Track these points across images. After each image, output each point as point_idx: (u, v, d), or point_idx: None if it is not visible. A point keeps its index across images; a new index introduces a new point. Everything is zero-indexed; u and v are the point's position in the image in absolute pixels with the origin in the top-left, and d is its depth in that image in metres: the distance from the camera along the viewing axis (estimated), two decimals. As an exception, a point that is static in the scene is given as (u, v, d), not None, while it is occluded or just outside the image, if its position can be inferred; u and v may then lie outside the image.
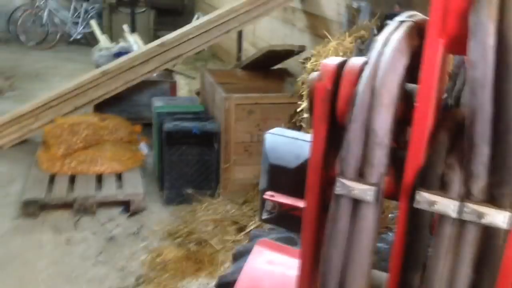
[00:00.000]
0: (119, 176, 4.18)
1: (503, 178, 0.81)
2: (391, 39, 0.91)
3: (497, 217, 0.81)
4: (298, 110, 3.30)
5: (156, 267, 3.28)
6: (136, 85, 5.04)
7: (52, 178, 4.08)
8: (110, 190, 3.99)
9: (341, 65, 0.98)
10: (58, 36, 9.23)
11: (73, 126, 4.26)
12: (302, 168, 1.30)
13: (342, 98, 0.95)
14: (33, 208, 3.78)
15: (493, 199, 0.82)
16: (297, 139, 1.49)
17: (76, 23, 9.35)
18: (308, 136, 1.44)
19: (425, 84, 0.86)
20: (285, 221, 1.44)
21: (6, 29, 9.22)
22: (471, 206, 0.82)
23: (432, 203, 0.84)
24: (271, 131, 1.53)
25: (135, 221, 3.85)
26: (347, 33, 3.39)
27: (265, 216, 1.47)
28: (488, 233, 0.83)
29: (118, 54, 5.61)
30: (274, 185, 1.46)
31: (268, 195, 1.42)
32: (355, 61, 0.97)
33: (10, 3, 9.10)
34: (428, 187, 0.86)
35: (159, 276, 3.19)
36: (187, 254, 3.37)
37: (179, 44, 4.89)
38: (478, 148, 0.81)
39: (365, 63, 0.93)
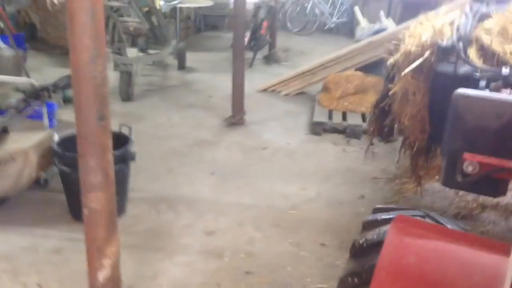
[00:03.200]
0: (378, 116, 5.54)
1: None
2: None
3: None
4: (391, 93, 2.88)
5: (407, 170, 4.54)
6: (392, 55, 6.35)
7: (330, 112, 5.65)
8: (372, 123, 5.39)
9: None
10: (315, 25, 11.10)
11: (348, 77, 5.78)
12: (505, 127, 1.27)
13: None
14: (318, 129, 5.39)
15: None
16: (493, 98, 1.44)
17: (332, 14, 11.11)
18: (505, 95, 1.44)
19: None
20: (484, 184, 1.36)
21: (278, 18, 11.44)
22: None
23: None
24: (459, 91, 1.50)
25: (389, 146, 5.16)
26: (439, 14, 3.38)
27: (460, 179, 1.40)
28: None
29: (377, 32, 7.00)
30: (471, 146, 1.38)
31: (469, 156, 1.34)
32: None
33: (282, -3, 11.30)
34: None
35: (406, 177, 4.44)
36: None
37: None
38: None
39: None
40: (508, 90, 1.71)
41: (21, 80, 3.91)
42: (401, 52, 2.82)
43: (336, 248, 3.38)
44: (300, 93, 6.72)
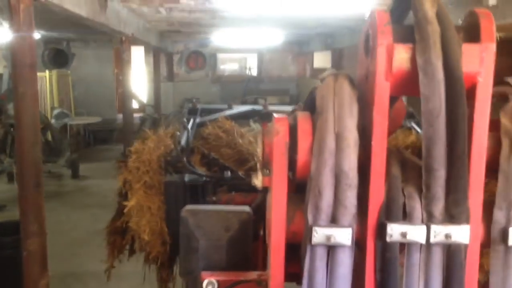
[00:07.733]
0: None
1: (459, 196, 0.84)
2: (338, 89, 0.92)
3: (459, 234, 0.84)
4: (126, 210, 2.58)
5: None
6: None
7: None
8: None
9: (291, 120, 0.99)
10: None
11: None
12: (234, 239, 1.29)
13: (304, 149, 0.93)
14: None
15: (452, 218, 0.85)
16: (219, 211, 1.40)
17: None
18: (229, 206, 1.46)
19: (378, 123, 0.87)
20: None
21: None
22: (435, 227, 0.84)
23: (403, 234, 0.84)
24: (187, 208, 1.42)
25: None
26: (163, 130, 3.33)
27: None
28: (452, 251, 0.86)
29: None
30: (206, 264, 1.35)
31: (207, 275, 1.29)
32: (303, 114, 0.99)
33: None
34: (394, 220, 0.86)
35: None
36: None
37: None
38: (437, 172, 0.84)
39: (315, 114, 0.95)
40: (233, 192, 1.96)
41: None
42: (128, 168, 2.61)
43: None
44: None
